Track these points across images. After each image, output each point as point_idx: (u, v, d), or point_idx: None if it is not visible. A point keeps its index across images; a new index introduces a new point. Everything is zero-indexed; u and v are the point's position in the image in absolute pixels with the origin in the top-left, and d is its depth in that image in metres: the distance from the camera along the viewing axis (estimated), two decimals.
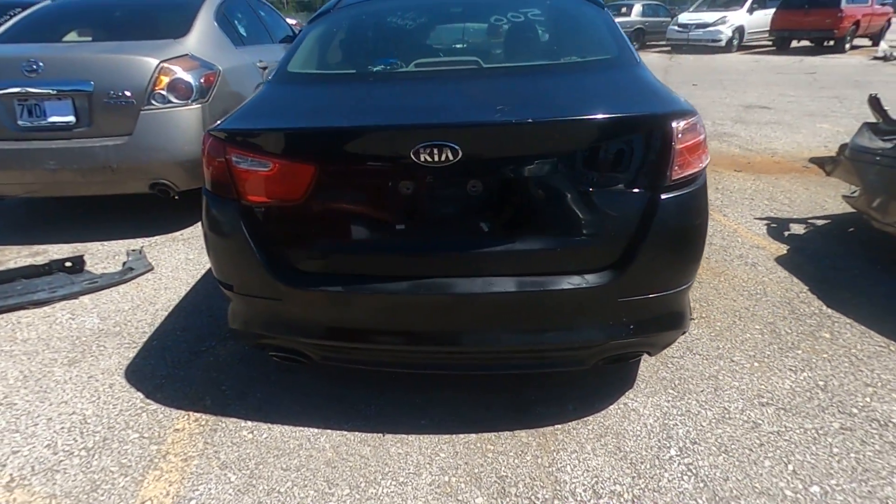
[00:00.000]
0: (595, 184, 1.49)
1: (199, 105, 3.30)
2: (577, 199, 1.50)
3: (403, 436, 1.79)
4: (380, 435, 1.79)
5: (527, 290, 1.51)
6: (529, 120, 1.44)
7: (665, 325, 1.65)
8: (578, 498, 1.54)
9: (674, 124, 1.46)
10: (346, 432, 1.81)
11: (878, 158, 2.80)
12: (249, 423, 1.86)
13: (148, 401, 1.97)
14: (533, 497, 1.55)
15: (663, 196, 1.48)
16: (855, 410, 1.83)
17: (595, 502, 1.52)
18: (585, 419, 1.83)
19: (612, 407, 1.88)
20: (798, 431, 1.75)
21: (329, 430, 1.82)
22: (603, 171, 1.49)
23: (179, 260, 3.15)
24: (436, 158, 1.40)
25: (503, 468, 1.65)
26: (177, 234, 3.54)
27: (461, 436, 1.78)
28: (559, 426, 1.80)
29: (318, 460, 1.68)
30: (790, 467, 1.62)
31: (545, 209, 1.52)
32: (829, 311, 2.41)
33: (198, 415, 1.90)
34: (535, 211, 1.54)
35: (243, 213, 1.58)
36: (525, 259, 1.54)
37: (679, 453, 1.68)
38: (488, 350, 1.64)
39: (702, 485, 1.56)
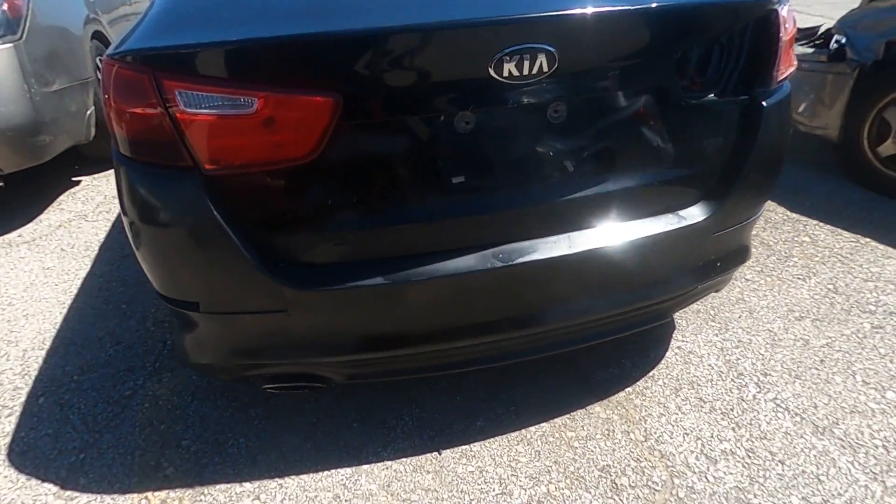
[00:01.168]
0: (695, 93, 1.18)
1: (11, 44, 2.26)
2: (674, 116, 1.18)
3: (463, 447, 1.41)
4: (434, 454, 1.40)
5: (619, 241, 1.19)
6: (641, 7, 1.05)
7: (740, 258, 1.46)
8: (696, 469, 1.34)
9: (780, 11, 1.19)
10: (388, 462, 1.37)
11: (802, 65, 2.92)
12: (249, 486, 1.32)
13: (69, 494, 1.31)
14: (650, 483, 1.31)
15: (766, 102, 1.23)
16: (872, 307, 1.88)
17: (714, 468, 1.34)
18: (651, 374, 1.63)
19: (668, 354, 1.70)
20: (842, 340, 1.75)
21: (366, 465, 1.37)
22: (704, 76, 1.18)
23: (32, 272, 2.24)
24: (525, 71, 0.96)
25: (599, 457, 1.38)
26: (13, 235, 2.54)
27: (531, 429, 1.46)
28: (629, 389, 1.57)
29: None
30: (858, 378, 1.59)
31: (639, 133, 1.18)
32: (795, 215, 2.50)
33: (161, 494, 1.31)
34: (626, 137, 1.19)
35: (210, 188, 0.98)
36: (615, 202, 1.20)
37: (759, 390, 1.56)
38: (572, 323, 1.31)
39: (798, 419, 1.46)
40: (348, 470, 1.36)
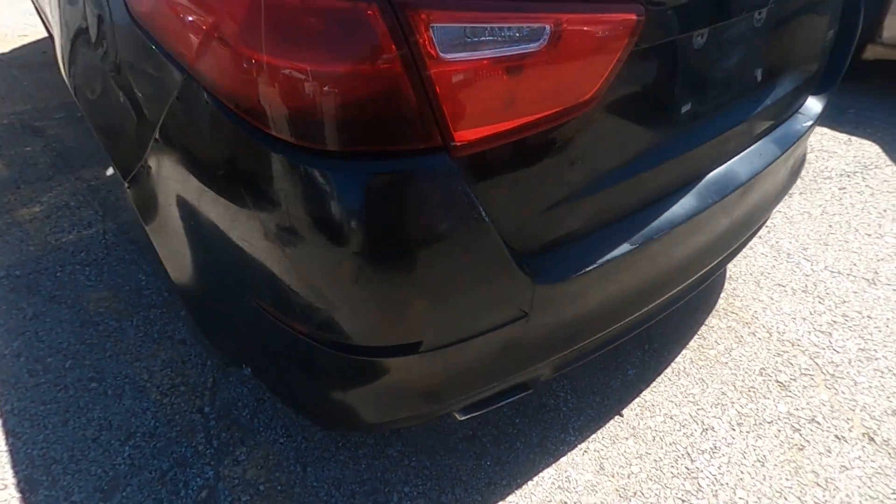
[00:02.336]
0: None
1: None
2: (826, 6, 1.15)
3: (636, 400, 1.32)
4: (616, 419, 1.28)
5: (787, 145, 1.16)
6: None
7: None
8: (822, 345, 1.46)
9: None
10: (581, 444, 1.22)
11: None
12: None
13: None
14: (802, 371, 1.39)
15: None
16: (829, 178, 2.23)
17: (832, 340, 1.48)
18: (728, 276, 1.71)
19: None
20: (831, 203, 2.05)
21: (564, 457, 1.19)
22: None
23: None
24: None
25: (750, 363, 1.41)
26: None
27: (678, 360, 1.42)
28: (724, 295, 1.63)
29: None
30: (860, 231, 1.89)
31: (807, 28, 1.12)
32: None
33: None
34: (801, 35, 1.12)
35: (467, 174, 0.66)
36: (783, 104, 1.15)
37: (810, 263, 1.76)
38: (737, 248, 1.26)
39: (851, 277, 1.69)
40: (551, 470, 1.18)
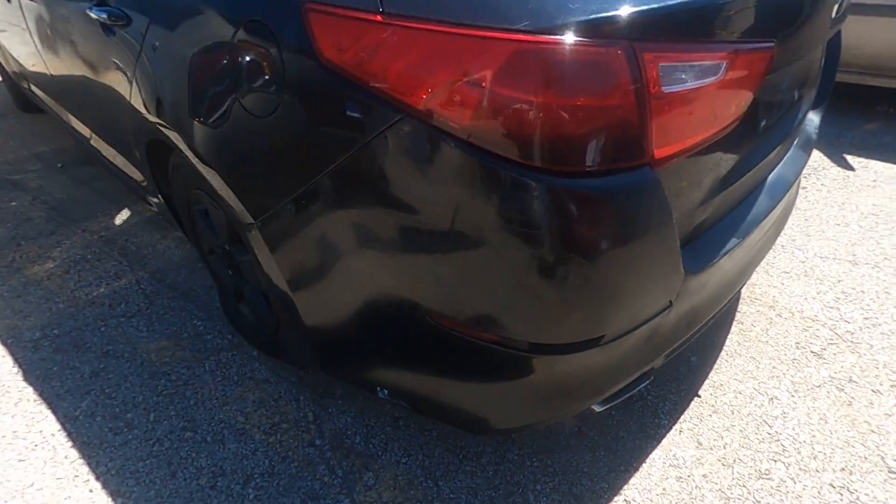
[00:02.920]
0: None
1: None
2: None
3: (707, 382, 1.48)
4: (695, 400, 1.43)
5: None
6: None
7: None
8: (837, 317, 1.71)
9: None
10: (677, 426, 1.36)
11: None
12: None
13: None
14: (829, 342, 1.62)
15: None
16: None
17: (842, 314, 1.73)
18: None
19: None
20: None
21: (665, 439, 1.32)
22: None
23: None
24: None
25: (787, 339, 1.63)
26: None
27: (728, 346, 1.61)
28: (744, 287, 1.86)
29: None
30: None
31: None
32: None
33: None
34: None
35: (664, 184, 0.79)
36: (806, 115, 1.41)
37: (797, 247, 2.04)
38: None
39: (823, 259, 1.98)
40: (658, 451, 1.30)
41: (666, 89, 0.73)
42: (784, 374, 1.52)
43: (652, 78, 0.71)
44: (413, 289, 0.94)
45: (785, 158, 1.33)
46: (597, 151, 0.73)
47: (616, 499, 1.21)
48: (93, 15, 1.37)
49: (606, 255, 0.79)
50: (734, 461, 1.28)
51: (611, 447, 1.32)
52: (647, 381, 1.16)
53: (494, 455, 1.30)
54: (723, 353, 1.59)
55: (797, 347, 1.61)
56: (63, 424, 1.37)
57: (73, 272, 1.93)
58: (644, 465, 1.28)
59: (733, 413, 1.41)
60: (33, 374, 1.52)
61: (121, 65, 1.38)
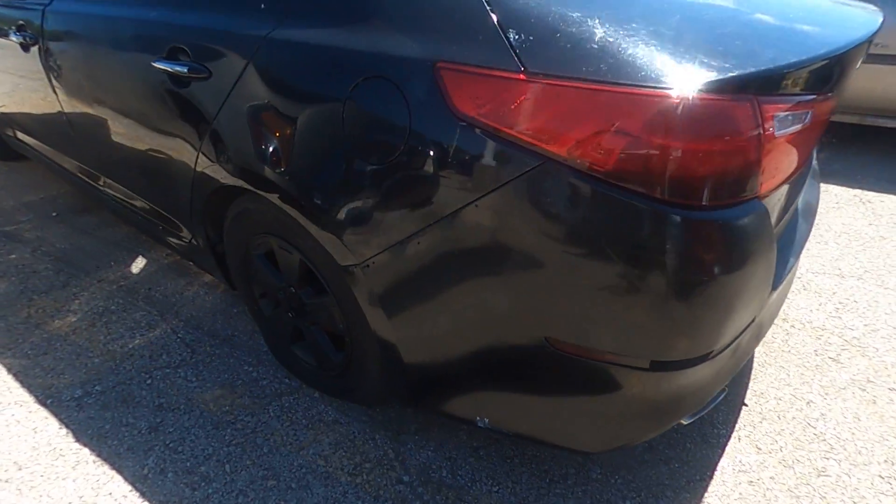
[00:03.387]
0: None
1: None
2: None
3: (750, 392, 1.60)
4: (743, 409, 1.54)
5: None
6: None
7: None
8: (841, 325, 1.89)
9: None
10: (736, 434, 1.46)
11: None
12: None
13: None
14: (843, 347, 1.79)
15: None
16: None
17: (841, 321, 1.92)
18: None
19: None
20: None
21: (730, 448, 1.42)
22: None
23: None
24: None
25: (801, 347, 1.79)
26: None
27: (755, 359, 1.75)
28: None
29: None
30: None
31: None
32: None
33: None
34: None
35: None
36: None
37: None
38: None
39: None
40: (724, 459, 1.40)
41: (777, 134, 0.86)
42: (812, 379, 1.67)
43: (768, 125, 0.84)
44: (538, 321, 1.01)
45: (807, 185, 1.51)
46: (725, 187, 0.85)
47: None
48: (160, 66, 1.39)
49: (729, 276, 0.90)
50: (793, 462, 1.40)
51: (682, 459, 1.41)
52: (724, 394, 1.26)
53: (578, 476, 1.36)
54: (755, 364, 1.73)
55: (816, 354, 1.78)
56: (133, 484, 1.31)
57: (100, 325, 1.84)
58: (716, 473, 1.37)
59: (779, 418, 1.53)
60: (85, 434, 1.44)
61: (189, 116, 1.40)
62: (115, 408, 1.52)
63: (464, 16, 0.97)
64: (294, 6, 1.17)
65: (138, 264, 2.21)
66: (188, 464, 1.37)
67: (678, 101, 0.80)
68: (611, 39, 0.88)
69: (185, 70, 1.31)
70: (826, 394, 1.62)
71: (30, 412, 1.50)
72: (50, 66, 1.88)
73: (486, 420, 1.21)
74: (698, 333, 0.95)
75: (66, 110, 1.96)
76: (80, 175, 2.27)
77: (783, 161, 0.94)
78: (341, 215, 1.14)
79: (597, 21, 0.91)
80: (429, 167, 1.00)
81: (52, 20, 1.82)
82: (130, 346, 1.75)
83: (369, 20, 1.06)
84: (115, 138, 1.78)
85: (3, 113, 2.67)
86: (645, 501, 1.30)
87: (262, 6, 1.21)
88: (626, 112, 0.82)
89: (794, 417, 1.54)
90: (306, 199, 1.17)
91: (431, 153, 0.99)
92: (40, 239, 2.38)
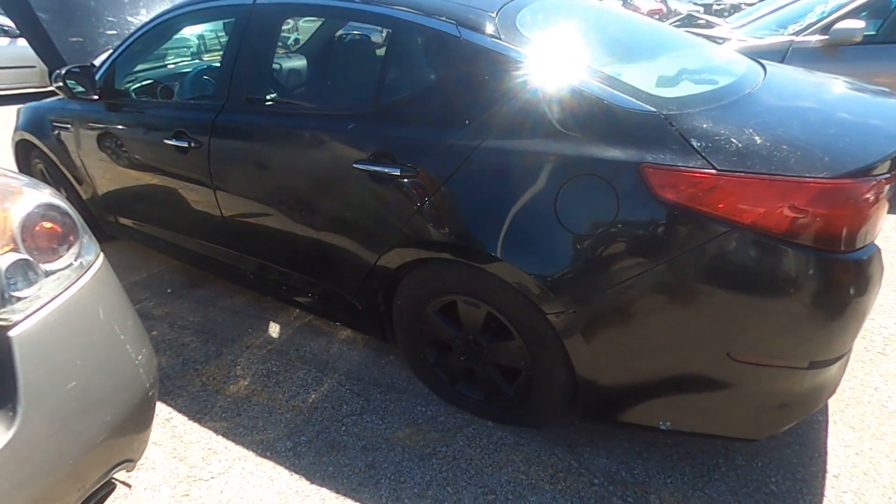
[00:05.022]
0: None
1: None
2: None
3: None
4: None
5: None
6: None
7: None
8: None
9: None
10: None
11: None
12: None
13: None
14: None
15: None
16: None
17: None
18: None
19: None
20: None
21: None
22: None
23: None
24: None
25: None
26: None
27: None
28: None
29: None
30: None
31: None
32: None
33: None
34: None
35: None
36: None
37: None
38: None
39: None
40: (831, 439, 1.77)
41: (879, 199, 1.29)
42: (871, 370, 2.09)
43: (877, 194, 1.27)
44: (722, 341, 1.38)
45: None
46: (862, 236, 1.26)
47: (827, 476, 1.65)
48: (363, 168, 1.74)
49: (869, 293, 1.31)
50: (882, 434, 1.79)
51: (800, 442, 1.78)
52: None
53: (728, 465, 1.70)
54: None
55: (866, 350, 2.21)
56: None
57: (272, 385, 2.10)
58: (828, 448, 1.75)
59: (858, 403, 1.94)
60: (315, 477, 1.69)
61: (384, 208, 1.74)
62: (327, 453, 1.78)
63: (654, 130, 1.37)
64: (497, 124, 1.55)
65: (273, 329, 2.47)
66: (416, 490, 1.64)
67: (829, 184, 1.22)
68: (768, 143, 1.30)
69: (398, 171, 1.67)
70: (886, 380, 2.04)
71: (256, 465, 1.74)
72: (213, 167, 2.19)
73: (668, 423, 1.55)
74: (841, 338, 1.35)
75: (221, 203, 2.26)
76: (211, 255, 2.54)
77: (882, 214, 1.37)
78: (554, 275, 1.50)
79: (751, 130, 1.34)
80: (636, 234, 1.38)
81: (223, 129, 2.15)
82: (310, 401, 2.01)
83: (574, 133, 1.45)
84: (282, 229, 2.10)
85: (108, 202, 2.92)
86: (787, 476, 1.66)
87: (467, 122, 1.59)
88: (795, 193, 1.23)
89: (869, 401, 1.94)
90: (522, 267, 1.52)
91: (639, 225, 1.37)
92: (170, 315, 2.61)
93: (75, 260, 1.22)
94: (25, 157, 3.40)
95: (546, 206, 1.47)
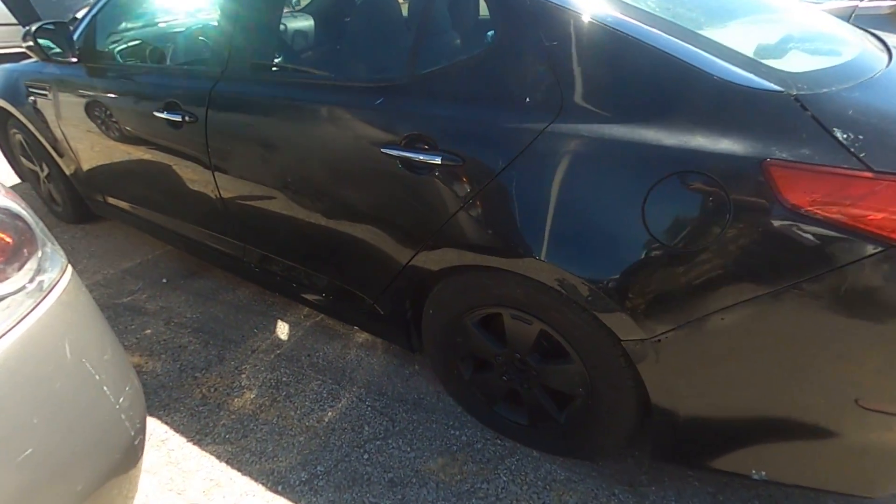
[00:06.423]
0: None
1: None
2: None
3: None
4: None
5: None
6: None
7: None
8: None
9: None
10: None
11: None
12: None
13: None
14: None
15: None
16: None
17: None
18: None
19: None
20: None
21: None
22: None
23: None
24: None
25: None
26: None
27: None
28: None
29: None
30: None
31: None
32: None
33: None
34: None
35: None
36: None
37: None
38: None
39: None
40: None
41: None
42: None
43: None
44: (851, 384, 1.10)
45: None
46: None
47: None
48: (393, 154, 1.42)
49: None
50: None
51: None
52: None
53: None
54: None
55: None
56: None
57: (282, 400, 1.84)
58: None
59: None
60: None
61: (421, 202, 1.44)
62: (348, 488, 1.53)
63: (781, 115, 1.06)
64: (570, 103, 1.23)
65: (282, 329, 2.20)
66: None
67: None
68: None
69: (439, 159, 1.36)
70: None
71: (267, 502, 1.50)
72: (211, 145, 1.87)
73: (763, 473, 1.29)
74: None
75: (220, 183, 1.95)
76: (209, 243, 2.25)
77: None
78: (635, 294, 1.21)
79: None
80: (750, 250, 1.08)
81: (222, 101, 1.82)
82: (326, 420, 1.76)
83: (673, 118, 1.14)
84: (291, 220, 1.80)
85: (95, 179, 2.60)
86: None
87: (528, 100, 1.28)
88: None
89: None
90: (594, 284, 1.24)
91: (757, 238, 1.07)
92: (166, 309, 2.33)
93: (31, 281, 0.92)
94: (2, 127, 3.07)
95: (631, 211, 1.16)
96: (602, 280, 1.23)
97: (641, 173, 1.15)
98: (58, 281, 0.97)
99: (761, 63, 1.16)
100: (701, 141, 1.10)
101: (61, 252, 1.02)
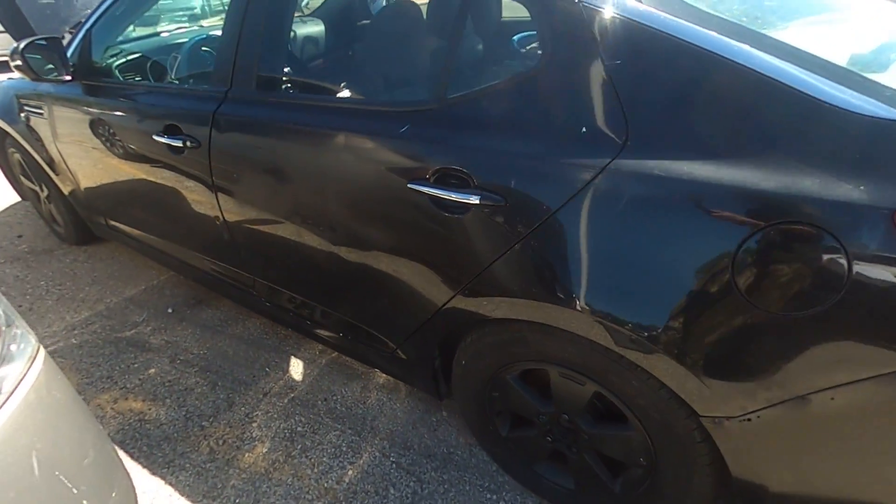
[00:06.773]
0: None
1: None
2: None
3: None
4: None
5: None
6: None
7: None
8: None
9: None
10: None
11: None
12: None
13: None
14: None
15: None
16: None
17: None
18: None
19: None
20: None
21: None
22: None
23: None
24: None
25: None
26: None
27: None
28: None
29: None
30: None
31: None
32: None
33: None
34: None
35: None
36: None
37: None
38: None
39: None
40: None
41: None
42: None
43: None
44: None
45: None
46: None
47: None
48: (422, 190, 1.23)
49: None
50: None
51: None
52: None
53: None
54: None
55: None
56: None
57: (298, 455, 1.66)
58: None
59: None
60: None
61: (455, 245, 1.24)
62: None
63: None
64: (640, 135, 1.02)
65: (296, 368, 2.02)
66: None
67: None
68: None
69: (477, 199, 1.16)
70: None
71: None
72: (216, 174, 1.69)
73: None
74: None
75: (225, 213, 1.77)
76: (217, 274, 2.07)
77: None
78: (720, 366, 1.00)
79: None
80: (872, 319, 0.88)
81: (227, 124, 1.63)
82: (347, 480, 1.57)
83: (772, 156, 0.93)
84: (307, 255, 1.61)
85: (95, 201, 2.45)
86: None
87: (583, 130, 1.07)
88: None
89: None
90: (664, 346, 1.03)
91: (878, 306, 0.87)
92: (171, 345, 2.16)
93: None
94: (0, 146, 2.93)
95: (718, 268, 0.95)
96: (678, 347, 1.03)
97: (731, 223, 0.94)
98: (23, 376, 0.79)
99: (883, 85, 0.95)
100: (810, 185, 0.89)
101: (32, 335, 0.85)
